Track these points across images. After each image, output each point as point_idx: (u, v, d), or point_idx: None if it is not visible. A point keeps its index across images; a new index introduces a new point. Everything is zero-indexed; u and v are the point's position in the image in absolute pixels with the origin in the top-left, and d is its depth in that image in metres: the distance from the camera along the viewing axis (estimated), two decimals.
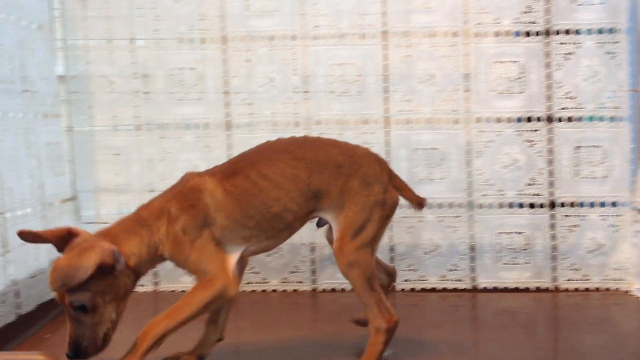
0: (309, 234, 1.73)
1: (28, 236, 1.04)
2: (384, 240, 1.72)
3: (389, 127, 1.71)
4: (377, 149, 1.70)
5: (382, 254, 1.73)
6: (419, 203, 1.28)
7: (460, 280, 1.73)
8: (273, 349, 1.34)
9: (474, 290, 1.72)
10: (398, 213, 1.70)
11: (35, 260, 1.46)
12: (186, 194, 1.10)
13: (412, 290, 1.74)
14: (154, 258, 1.09)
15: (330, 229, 1.24)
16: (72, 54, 1.72)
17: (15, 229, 1.36)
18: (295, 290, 1.75)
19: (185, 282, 1.17)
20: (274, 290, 1.75)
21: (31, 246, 1.45)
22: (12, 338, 1.32)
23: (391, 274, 1.37)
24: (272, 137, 1.66)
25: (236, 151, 1.70)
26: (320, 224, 1.26)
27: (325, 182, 1.19)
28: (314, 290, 1.75)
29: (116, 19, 1.71)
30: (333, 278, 1.74)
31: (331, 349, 1.34)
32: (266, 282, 1.75)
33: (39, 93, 1.50)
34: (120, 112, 1.74)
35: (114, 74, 1.73)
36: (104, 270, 0.99)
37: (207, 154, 1.72)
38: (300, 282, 1.75)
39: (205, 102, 1.73)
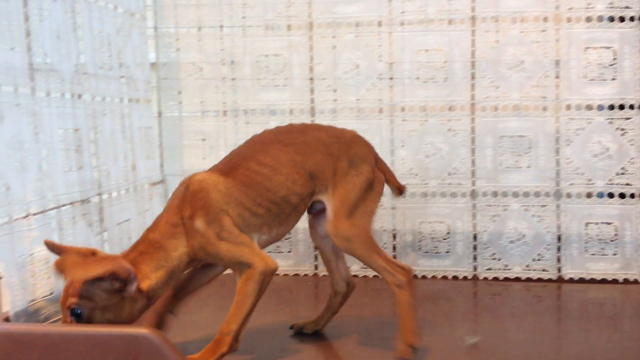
0: (390, 220, 1.74)
1: (53, 247, 1.04)
2: (467, 227, 1.71)
3: (474, 114, 1.69)
4: (462, 136, 1.69)
5: (464, 241, 1.72)
6: (398, 189, 1.30)
7: (545, 271, 1.70)
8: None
9: (560, 280, 1.69)
10: (482, 201, 1.70)
11: (128, 240, 1.51)
12: (192, 197, 1.10)
13: (496, 279, 1.72)
14: (174, 277, 1.09)
15: (314, 215, 1.28)
16: (163, 42, 1.77)
17: (111, 210, 1.43)
18: (376, 277, 1.75)
19: None
20: (355, 276, 1.76)
21: (125, 226, 1.51)
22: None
23: (350, 286, 1.33)
24: (356, 124, 1.71)
25: None
26: (310, 210, 1.27)
27: (318, 163, 1.21)
28: None
29: (206, 7, 1.75)
30: (414, 265, 1.74)
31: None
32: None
33: (134, 79, 1.56)
34: (207, 98, 1.78)
35: (203, 61, 1.77)
36: (115, 285, 0.99)
37: None
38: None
39: (291, 89, 1.75)
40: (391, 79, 1.70)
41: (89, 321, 0.98)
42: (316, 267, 1.79)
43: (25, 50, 1.07)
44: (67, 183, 1.21)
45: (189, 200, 1.10)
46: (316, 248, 1.35)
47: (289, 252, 1.79)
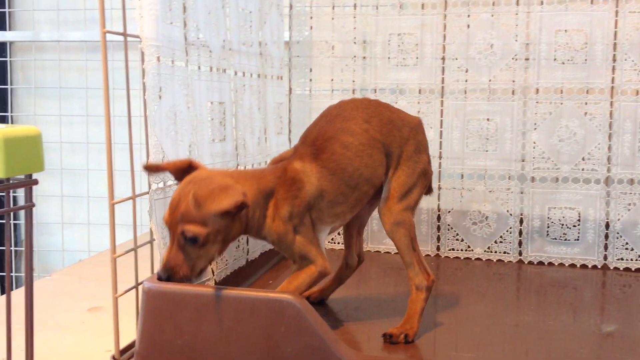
0: (517, 204, 1.71)
1: (151, 167, 1.04)
2: (599, 215, 1.66)
3: (614, 97, 1.63)
4: (599, 120, 1.64)
5: (595, 229, 1.67)
6: (430, 188, 1.30)
7: None
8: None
9: None
10: (617, 189, 1.64)
11: None
12: (290, 184, 1.10)
13: (627, 269, 1.66)
14: (251, 228, 1.09)
15: None
16: (298, 20, 1.81)
17: None
18: (500, 261, 1.74)
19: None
20: (478, 259, 1.75)
21: None
22: (243, 281, 1.44)
23: (360, 260, 1.36)
24: (487, 106, 1.69)
25: (449, 118, 1.71)
26: None
27: (390, 143, 1.21)
28: (520, 261, 1.73)
29: None
30: (541, 251, 1.71)
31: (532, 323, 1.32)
32: (470, 250, 1.76)
33: (270, 56, 1.60)
34: (337, 76, 1.81)
35: (335, 39, 1.79)
36: (231, 212, 0.99)
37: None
38: (506, 253, 1.74)
39: (421, 68, 1.74)
40: (527, 59, 1.67)
41: (204, 244, 0.99)
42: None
43: (182, 25, 1.12)
44: (211, 153, 1.27)
45: (286, 184, 1.10)
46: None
47: None
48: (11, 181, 0.82)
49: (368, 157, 1.18)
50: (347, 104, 1.23)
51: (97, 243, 2.55)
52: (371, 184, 1.19)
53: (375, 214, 1.29)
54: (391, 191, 1.21)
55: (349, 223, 1.32)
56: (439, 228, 1.77)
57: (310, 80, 1.82)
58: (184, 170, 1.04)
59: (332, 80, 1.81)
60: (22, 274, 2.59)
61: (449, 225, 1.76)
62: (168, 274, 1.00)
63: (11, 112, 2.63)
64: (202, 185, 0.98)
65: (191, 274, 1.01)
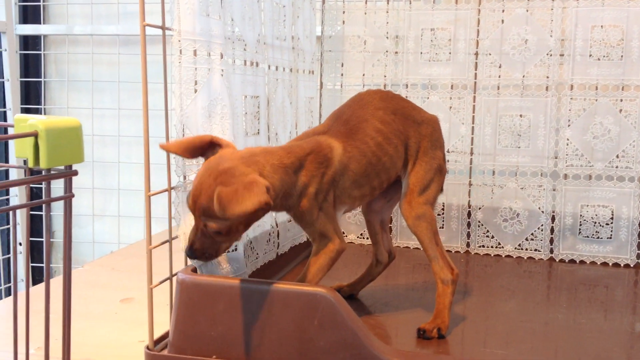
0: (549, 201, 1.69)
1: (170, 147, 1.01)
2: (633, 214, 1.64)
3: None
4: (635, 118, 1.62)
5: (629, 227, 1.64)
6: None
7: None
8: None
9: None
10: None
11: None
12: (320, 160, 1.08)
13: None
14: (276, 206, 1.06)
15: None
16: (330, 15, 1.81)
17: None
18: (531, 258, 1.72)
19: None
20: (509, 256, 1.74)
21: None
22: (273, 274, 1.45)
23: (391, 257, 1.37)
24: (520, 102, 1.67)
25: (481, 114, 1.70)
26: None
27: (410, 137, 1.22)
28: (551, 259, 1.71)
29: None
30: (573, 249, 1.69)
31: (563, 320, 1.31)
32: (501, 247, 1.75)
33: (302, 51, 1.60)
34: (368, 71, 1.80)
35: (368, 34, 1.79)
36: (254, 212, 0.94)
37: (451, 115, 1.73)
38: (537, 250, 1.72)
39: (453, 64, 1.73)
40: (561, 55, 1.65)
41: (228, 233, 0.97)
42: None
43: (218, 19, 1.13)
44: (245, 147, 1.27)
45: (316, 160, 1.08)
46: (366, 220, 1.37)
47: None
48: (52, 172, 0.84)
49: (393, 148, 1.19)
50: (376, 93, 1.24)
51: (127, 235, 2.58)
52: (388, 175, 1.20)
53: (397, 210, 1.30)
54: (410, 186, 1.22)
55: (370, 220, 1.34)
56: (469, 225, 1.76)
57: (342, 75, 1.82)
58: (204, 148, 1.01)
59: (363, 75, 1.80)
60: (54, 265, 2.63)
61: (479, 222, 1.75)
62: (195, 255, 0.99)
63: (44, 105, 2.67)
64: (225, 179, 0.94)
65: (217, 255, 1.01)
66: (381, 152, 1.17)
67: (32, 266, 2.57)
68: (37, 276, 2.64)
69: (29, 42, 2.65)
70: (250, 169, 0.97)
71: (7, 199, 2.53)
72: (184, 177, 1.11)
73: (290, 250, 1.58)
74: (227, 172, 0.95)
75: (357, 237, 1.83)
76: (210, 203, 0.93)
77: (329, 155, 1.09)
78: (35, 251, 2.65)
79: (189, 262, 1.14)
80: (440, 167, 1.25)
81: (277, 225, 1.47)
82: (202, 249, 0.98)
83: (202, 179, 0.96)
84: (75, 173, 0.86)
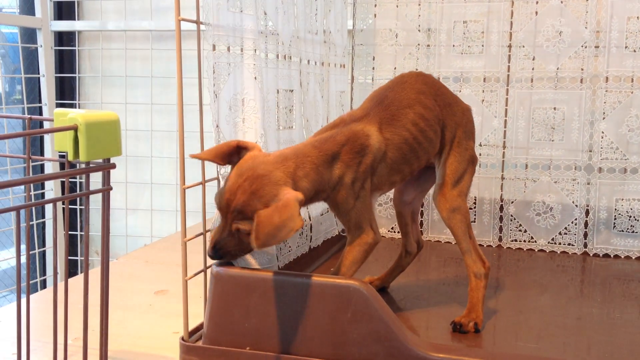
0: (584, 195, 1.68)
1: (202, 156, 1.02)
2: None
3: None
4: None
5: None
6: None
7: None
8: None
9: None
10: None
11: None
12: (357, 150, 1.07)
13: None
14: (310, 199, 1.06)
15: (400, 189, 1.29)
16: (362, 8, 1.81)
17: None
18: (564, 252, 1.71)
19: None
20: (542, 251, 1.72)
21: None
22: (305, 267, 1.45)
23: (420, 246, 1.36)
24: (554, 94, 1.65)
25: (514, 107, 1.69)
26: None
27: (447, 125, 1.21)
28: (585, 254, 1.69)
29: None
30: (607, 243, 1.67)
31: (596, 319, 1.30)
32: (533, 242, 1.73)
33: (334, 44, 1.60)
34: (400, 64, 1.80)
35: (399, 27, 1.79)
36: None
37: (483, 109, 1.72)
38: (570, 245, 1.71)
39: (486, 56, 1.72)
40: (596, 47, 1.63)
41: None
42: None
43: (251, 13, 1.14)
44: (278, 141, 1.28)
45: (351, 148, 1.07)
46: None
47: None
48: (90, 165, 0.85)
49: (434, 133, 1.18)
50: (419, 76, 1.22)
51: (159, 229, 2.61)
52: (424, 160, 1.19)
53: (430, 203, 1.29)
54: (445, 178, 1.21)
55: (401, 211, 1.33)
56: (501, 219, 1.75)
57: (373, 68, 1.82)
58: (232, 153, 1.02)
59: (395, 68, 1.80)
60: (91, 258, 2.67)
61: (512, 215, 1.74)
62: (219, 254, 1.00)
63: (79, 100, 2.71)
64: (260, 186, 0.96)
65: (242, 255, 1.03)
66: (423, 137, 1.15)
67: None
68: (72, 269, 2.68)
69: (64, 38, 2.69)
70: (284, 175, 0.99)
71: (42, 193, 2.58)
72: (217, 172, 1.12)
73: (323, 244, 1.59)
74: (263, 178, 0.97)
75: (388, 230, 1.83)
76: (246, 206, 0.95)
77: (365, 143, 1.08)
78: (70, 244, 2.70)
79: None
80: (472, 158, 1.24)
81: (310, 218, 1.48)
82: (226, 249, 0.99)
83: (236, 181, 0.97)
84: (114, 166, 0.87)
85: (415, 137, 1.14)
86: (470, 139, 1.25)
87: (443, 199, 1.20)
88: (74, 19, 2.65)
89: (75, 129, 0.81)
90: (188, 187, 1.07)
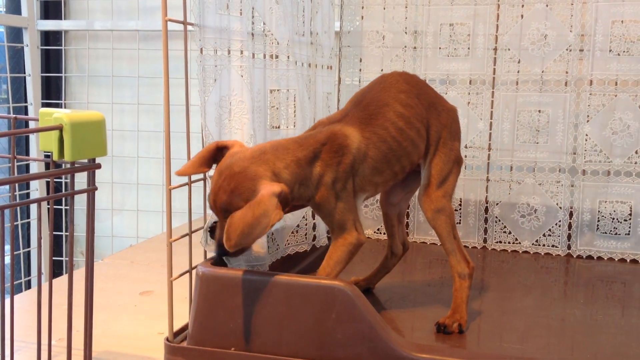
0: (567, 197, 1.69)
1: (187, 171, 1.03)
2: None
3: None
4: None
5: None
6: None
7: None
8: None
9: None
10: None
11: None
12: (335, 149, 1.07)
13: None
14: (292, 199, 1.06)
15: (386, 190, 1.29)
16: (349, 10, 1.81)
17: None
18: (548, 254, 1.72)
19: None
20: (526, 252, 1.73)
21: None
22: (292, 267, 1.45)
23: (405, 248, 1.36)
24: (539, 97, 1.67)
25: (499, 109, 1.70)
26: None
27: (432, 125, 1.21)
28: (568, 255, 1.71)
29: None
30: (590, 245, 1.69)
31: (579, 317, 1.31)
32: (518, 243, 1.74)
33: (321, 46, 1.61)
34: (386, 66, 1.80)
35: (386, 29, 1.79)
36: None
37: (469, 111, 1.73)
38: (554, 246, 1.72)
39: (472, 59, 1.73)
40: (581, 50, 1.64)
41: None
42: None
43: (238, 14, 1.14)
44: (266, 140, 1.28)
45: (330, 149, 1.07)
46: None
47: None
48: (75, 165, 0.85)
49: (415, 132, 1.17)
50: (400, 75, 1.22)
51: (146, 229, 2.61)
52: (410, 160, 1.18)
53: (416, 204, 1.30)
54: (430, 178, 1.21)
55: (388, 212, 1.33)
56: (486, 220, 1.76)
57: (360, 70, 1.83)
58: (213, 155, 1.04)
59: (381, 70, 1.80)
60: (75, 258, 2.66)
61: (496, 217, 1.75)
62: (224, 252, 1.00)
63: (65, 100, 2.70)
64: (238, 183, 0.97)
65: (247, 248, 1.03)
66: (402, 137, 1.15)
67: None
68: (56, 270, 2.67)
69: (50, 38, 2.68)
70: (262, 168, 0.99)
71: (27, 193, 2.56)
72: None
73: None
74: (239, 174, 0.98)
75: (374, 232, 1.84)
76: (228, 205, 0.96)
77: (343, 143, 1.08)
78: (55, 245, 2.68)
79: (209, 255, 1.15)
80: (458, 159, 1.25)
81: (313, 217, 1.48)
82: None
83: (217, 181, 0.99)
84: (99, 166, 0.87)
85: (394, 136, 1.14)
86: (455, 140, 1.25)
87: (428, 200, 1.20)
88: (61, 19, 2.64)
89: (60, 128, 0.81)
90: (174, 188, 1.07)
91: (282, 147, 1.04)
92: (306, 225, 1.46)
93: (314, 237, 1.49)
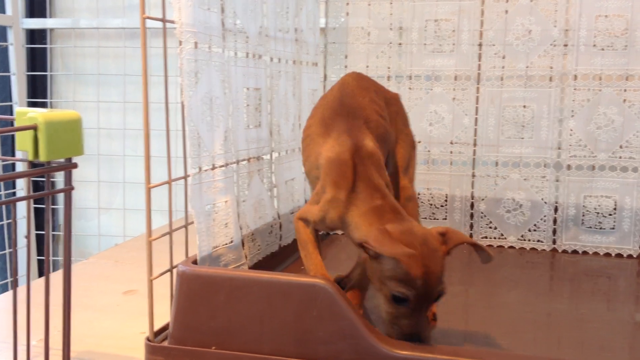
0: (552, 192, 1.69)
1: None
2: (636, 204, 1.64)
3: None
4: (638, 108, 1.61)
5: (632, 218, 1.64)
6: None
7: None
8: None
9: None
10: None
11: (292, 198, 1.58)
12: (366, 162, 1.07)
13: None
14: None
15: None
16: (334, 7, 1.81)
17: (281, 168, 1.49)
18: (533, 249, 1.72)
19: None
20: (511, 247, 1.74)
21: (290, 184, 1.57)
22: (275, 265, 1.45)
23: None
24: (524, 92, 1.67)
25: (485, 105, 1.70)
26: None
27: (390, 115, 1.22)
28: (554, 250, 1.71)
29: None
30: (575, 240, 1.69)
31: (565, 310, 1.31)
32: (503, 238, 1.74)
33: (306, 43, 1.60)
34: (372, 62, 1.80)
35: (371, 26, 1.79)
36: None
37: (454, 107, 1.73)
38: (539, 241, 1.72)
39: (457, 55, 1.73)
40: (565, 45, 1.64)
41: None
42: None
43: (219, 11, 1.13)
44: (247, 139, 1.28)
45: (363, 164, 1.05)
46: None
47: None
48: (51, 165, 0.84)
49: (388, 125, 1.20)
50: (357, 76, 1.22)
51: (132, 228, 2.60)
52: (392, 154, 1.22)
53: None
54: (396, 167, 1.23)
55: None
56: (472, 216, 1.76)
57: (346, 67, 1.82)
58: None
59: (367, 66, 1.80)
60: (60, 258, 2.65)
61: (482, 213, 1.75)
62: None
63: (51, 99, 2.68)
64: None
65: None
66: (387, 134, 1.18)
67: (37, 259, 2.58)
68: (41, 269, 2.65)
69: (35, 36, 2.66)
70: None
71: (14, 192, 2.55)
72: (199, 169, 1.11)
73: (293, 242, 1.58)
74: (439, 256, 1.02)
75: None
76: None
77: (373, 152, 1.07)
78: (41, 244, 2.67)
79: (190, 253, 1.15)
80: (413, 143, 1.27)
81: (279, 217, 1.48)
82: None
83: (424, 263, 0.96)
84: (75, 166, 0.86)
85: (382, 135, 1.15)
86: (407, 126, 1.28)
87: (397, 188, 1.21)
88: (46, 17, 2.62)
89: (34, 128, 0.80)
90: (154, 187, 1.06)
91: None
92: (274, 225, 1.46)
93: (281, 237, 1.49)
